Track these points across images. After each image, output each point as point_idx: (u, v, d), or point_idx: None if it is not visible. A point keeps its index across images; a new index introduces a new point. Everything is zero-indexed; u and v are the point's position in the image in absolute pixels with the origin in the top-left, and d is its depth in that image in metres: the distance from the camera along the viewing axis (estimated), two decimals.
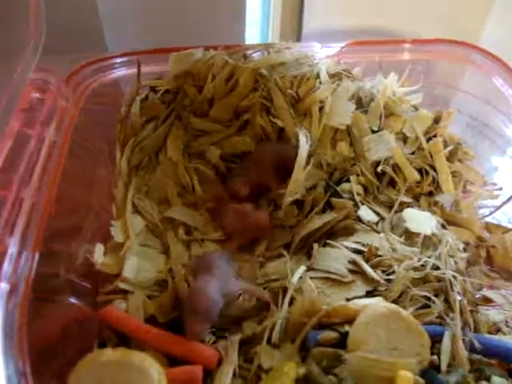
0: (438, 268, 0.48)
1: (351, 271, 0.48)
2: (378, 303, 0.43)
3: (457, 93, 0.73)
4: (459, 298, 0.48)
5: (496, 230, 0.63)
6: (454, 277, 0.47)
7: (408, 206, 0.58)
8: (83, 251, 0.53)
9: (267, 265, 0.54)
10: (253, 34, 0.86)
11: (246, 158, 0.59)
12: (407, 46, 0.65)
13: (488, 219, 0.64)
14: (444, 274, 0.47)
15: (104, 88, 0.57)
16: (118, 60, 0.59)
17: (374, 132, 0.60)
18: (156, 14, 0.73)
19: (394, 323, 0.41)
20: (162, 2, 0.72)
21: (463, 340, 0.44)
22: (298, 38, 0.83)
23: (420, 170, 0.61)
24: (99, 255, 0.50)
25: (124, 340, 0.47)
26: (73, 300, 0.51)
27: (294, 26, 0.83)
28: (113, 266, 0.51)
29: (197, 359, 0.42)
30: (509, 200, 0.66)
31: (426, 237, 0.53)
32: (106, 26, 0.69)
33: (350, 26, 0.81)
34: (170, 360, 0.44)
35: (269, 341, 0.45)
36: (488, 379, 0.43)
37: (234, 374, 0.43)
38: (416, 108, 0.63)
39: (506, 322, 0.51)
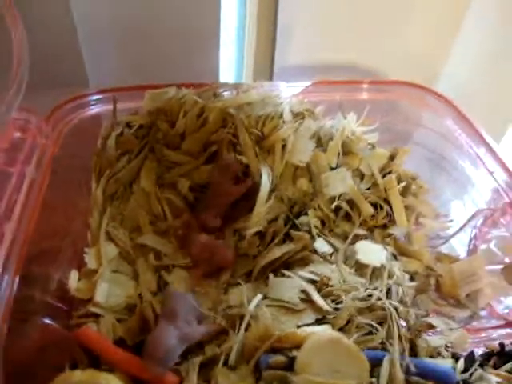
0: (381, 299, 0.52)
1: (303, 300, 0.53)
2: (323, 331, 0.48)
3: (416, 128, 0.78)
4: (403, 324, 0.53)
5: (445, 259, 0.68)
6: (396, 307, 0.52)
7: (363, 238, 0.62)
8: (59, 275, 0.57)
9: (230, 291, 0.58)
10: (228, 71, 0.90)
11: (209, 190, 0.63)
12: (366, 86, 0.70)
13: (444, 248, 0.69)
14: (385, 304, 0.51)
15: (83, 123, 0.61)
16: (96, 97, 0.63)
17: (332, 169, 0.65)
18: (135, 52, 0.78)
19: (337, 349, 0.46)
20: (141, 42, 0.76)
21: (401, 364, 0.48)
22: (271, 74, 0.88)
23: (375, 205, 0.65)
24: (73, 281, 0.54)
25: (94, 362, 0.50)
26: (48, 321, 0.54)
27: (267, 63, 0.88)
28: (86, 291, 0.55)
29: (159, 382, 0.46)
30: (459, 231, 0.70)
31: (375, 268, 0.57)
32: (88, 62, 0.73)
33: (321, 62, 0.86)
34: (137, 382, 0.48)
35: (226, 363, 0.49)
36: None
37: None
38: (373, 146, 0.68)
39: (446, 346, 0.55)
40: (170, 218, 0.64)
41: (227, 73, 0.90)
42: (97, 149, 0.63)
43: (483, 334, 0.60)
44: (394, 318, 0.50)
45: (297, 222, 0.61)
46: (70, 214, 0.63)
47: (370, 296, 0.53)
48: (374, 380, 0.47)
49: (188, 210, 0.65)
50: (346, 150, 0.66)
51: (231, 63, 0.93)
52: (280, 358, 0.46)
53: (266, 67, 0.89)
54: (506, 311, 0.64)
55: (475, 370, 0.52)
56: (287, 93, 0.69)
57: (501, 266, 0.66)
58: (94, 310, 0.53)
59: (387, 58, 0.87)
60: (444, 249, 0.69)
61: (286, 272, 0.56)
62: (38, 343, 0.52)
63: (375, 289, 0.53)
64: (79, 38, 0.71)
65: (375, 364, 0.48)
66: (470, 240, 0.69)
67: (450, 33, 0.88)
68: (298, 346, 0.47)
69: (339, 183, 0.63)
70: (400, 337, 0.50)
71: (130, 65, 0.79)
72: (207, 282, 0.60)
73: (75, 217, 0.63)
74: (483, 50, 0.87)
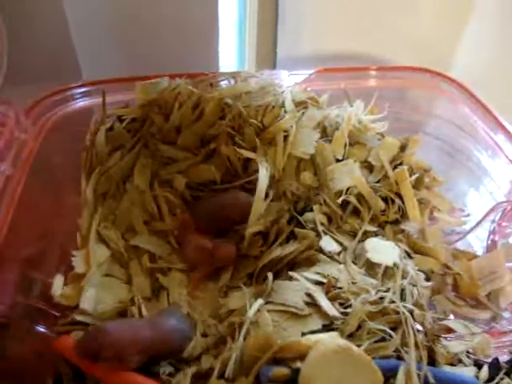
0: (394, 301, 0.47)
1: (309, 304, 0.48)
2: (330, 339, 0.43)
3: (429, 118, 0.74)
4: (419, 329, 0.48)
5: (463, 257, 0.63)
6: (411, 310, 0.47)
7: (373, 235, 0.58)
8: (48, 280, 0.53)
9: (230, 294, 0.53)
10: (230, 61, 0.86)
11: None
12: (373, 73, 0.65)
13: (460, 244, 0.64)
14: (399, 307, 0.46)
15: (68, 118, 0.57)
16: (81, 90, 0.59)
17: (338, 161, 0.60)
18: (131, 44, 0.74)
19: (346, 360, 0.41)
20: (137, 30, 0.73)
21: (418, 375, 0.43)
22: (274, 65, 0.83)
23: (386, 199, 0.61)
24: (57, 286, 0.50)
25: (80, 375, 0.46)
26: (41, 329, 0.51)
27: (270, 53, 0.84)
28: (72, 298, 0.51)
29: None
30: (476, 226, 0.65)
31: (387, 267, 0.52)
32: (81, 54, 0.69)
33: (325, 51, 0.82)
34: None
35: (224, 375, 0.44)
36: None
37: None
38: (382, 135, 0.63)
39: (468, 352, 0.51)
40: (167, 218, 0.59)
41: (229, 64, 0.87)
42: (86, 144, 0.58)
43: (507, 338, 0.55)
44: (409, 323, 0.45)
45: (301, 219, 0.56)
46: (58, 215, 0.58)
47: (382, 299, 0.48)
48: None
49: (185, 210, 0.60)
50: (353, 141, 0.61)
51: (233, 55, 0.89)
52: (282, 371, 0.42)
53: (268, 57, 0.86)
54: None
55: (501, 378, 0.47)
56: (289, 82, 0.65)
57: None
58: (79, 318, 0.48)
59: (396, 47, 0.83)
60: (461, 245, 0.65)
61: (291, 273, 0.51)
62: (21, 352, 0.49)
63: (387, 290, 0.48)
64: (72, 32, 0.67)
65: (389, 375, 0.43)
66: (489, 235, 0.65)
67: (461, 19, 0.83)
68: (302, 357, 0.42)
69: (346, 176, 0.58)
70: (416, 343, 0.45)
71: (126, 58, 0.76)
72: (206, 284, 0.56)
73: (64, 217, 0.59)
74: (496, 35, 0.82)
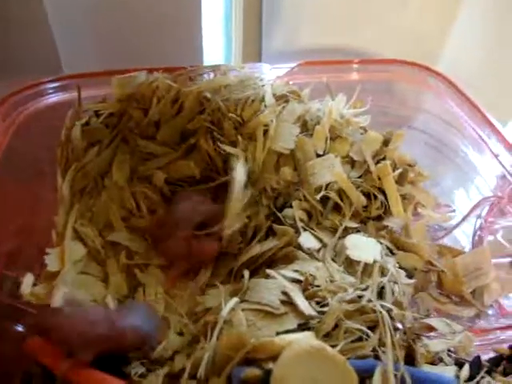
0: (372, 300, 0.46)
1: (285, 302, 0.47)
2: (304, 339, 0.42)
3: (415, 112, 0.73)
4: (399, 327, 0.47)
5: (448, 253, 0.62)
6: (389, 309, 0.46)
7: (354, 232, 0.56)
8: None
9: (207, 292, 0.52)
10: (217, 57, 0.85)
11: None
12: (356, 66, 0.64)
13: (447, 240, 0.63)
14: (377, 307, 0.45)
15: (40, 113, 0.55)
16: (54, 85, 0.57)
17: (319, 156, 0.59)
18: (112, 34, 0.73)
19: (319, 361, 0.40)
20: (118, 22, 0.72)
21: (395, 375, 0.42)
22: (260, 60, 0.82)
23: (368, 194, 0.59)
24: (27, 285, 0.49)
25: (50, 376, 0.45)
26: (19, 328, 0.50)
27: (256, 48, 0.83)
28: (43, 296, 0.50)
29: None
30: (462, 222, 0.64)
31: (367, 265, 0.51)
32: (60, 47, 0.68)
33: (311, 45, 0.80)
34: None
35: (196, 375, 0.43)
36: None
37: None
38: (365, 130, 0.62)
39: (449, 351, 0.50)
40: (146, 214, 0.58)
41: (216, 61, 0.85)
42: (60, 140, 0.57)
43: (491, 336, 0.54)
44: (386, 322, 0.44)
45: (280, 215, 0.55)
46: (34, 212, 0.57)
47: (361, 297, 0.47)
48: None
49: (164, 206, 0.59)
50: (335, 135, 0.60)
51: (219, 50, 0.88)
52: (254, 371, 0.40)
53: (254, 52, 0.84)
54: None
55: (482, 377, 0.47)
56: (271, 75, 0.63)
57: (509, 259, 0.61)
58: None
59: (383, 41, 0.82)
60: (447, 241, 0.64)
61: (268, 271, 0.50)
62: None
63: (366, 289, 0.47)
64: (53, 26, 0.66)
65: (366, 376, 0.42)
66: (475, 231, 0.63)
67: (448, 14, 0.82)
68: (275, 357, 0.41)
69: (327, 171, 0.57)
70: (394, 343, 0.43)
71: (108, 52, 0.74)
72: (185, 282, 0.55)
73: (40, 214, 0.57)
74: (484, 31, 0.81)
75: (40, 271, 0.53)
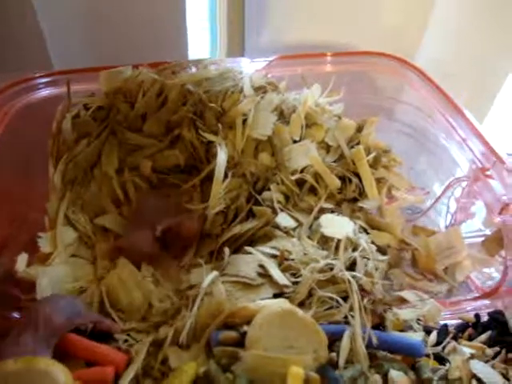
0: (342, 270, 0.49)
1: (261, 275, 0.50)
2: (275, 304, 0.45)
3: (388, 100, 0.76)
4: (370, 297, 0.50)
5: (422, 233, 0.65)
6: (358, 279, 0.49)
7: (329, 212, 0.60)
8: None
9: (192, 271, 0.55)
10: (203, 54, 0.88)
11: None
12: (329, 58, 0.67)
13: (425, 223, 0.67)
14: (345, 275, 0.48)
15: (32, 106, 0.59)
16: (44, 80, 0.61)
17: (295, 142, 0.62)
18: (100, 30, 0.76)
19: (290, 322, 0.43)
20: (107, 20, 0.75)
21: (363, 338, 0.45)
22: (243, 54, 0.85)
23: (343, 178, 0.63)
24: (21, 263, 0.52)
25: None
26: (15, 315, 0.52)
27: (239, 44, 0.86)
28: (36, 276, 0.53)
29: (106, 363, 0.44)
30: (435, 203, 0.68)
31: (340, 241, 0.54)
32: (50, 42, 0.71)
33: (291, 41, 0.84)
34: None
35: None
36: (386, 373, 0.44)
37: (148, 375, 0.45)
38: (339, 117, 0.65)
39: (418, 319, 0.53)
40: (134, 202, 0.61)
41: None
42: (52, 132, 0.61)
43: (460, 307, 0.57)
44: (353, 289, 0.47)
45: (259, 197, 0.59)
46: (26, 201, 0.60)
47: (332, 269, 0.50)
48: (333, 355, 0.44)
49: (152, 193, 0.62)
50: (310, 122, 0.64)
51: (205, 48, 0.91)
52: (230, 334, 0.44)
53: (238, 50, 0.87)
54: (489, 283, 0.61)
55: (448, 342, 0.49)
56: (249, 68, 0.67)
57: (481, 239, 0.63)
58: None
59: (362, 35, 0.85)
60: (424, 223, 0.67)
61: (247, 248, 0.53)
62: None
63: (335, 260, 0.50)
64: (42, 23, 0.69)
65: (336, 338, 0.45)
66: (447, 212, 0.66)
67: (424, 6, 0.85)
68: (250, 322, 0.44)
69: (303, 156, 0.61)
70: (361, 309, 0.47)
71: (95, 49, 0.77)
72: (172, 262, 0.58)
73: (32, 204, 0.60)
74: (460, 23, 0.84)
75: (32, 259, 0.55)
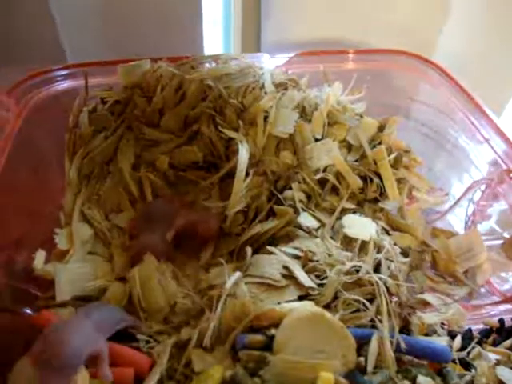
0: (369, 273, 0.48)
1: (285, 276, 0.49)
2: (303, 307, 0.44)
3: (409, 101, 0.75)
4: (394, 300, 0.49)
5: (441, 235, 0.64)
6: (385, 281, 0.48)
7: (351, 213, 0.59)
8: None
9: (211, 270, 0.54)
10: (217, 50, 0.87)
11: None
12: (352, 55, 0.66)
13: (441, 224, 0.65)
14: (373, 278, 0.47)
15: (51, 99, 0.57)
16: (63, 72, 0.59)
17: (317, 140, 0.61)
18: (116, 25, 0.74)
19: (318, 326, 0.42)
20: (122, 14, 0.73)
21: (391, 342, 0.44)
22: (259, 50, 0.84)
23: (365, 177, 0.62)
24: (39, 260, 0.51)
25: None
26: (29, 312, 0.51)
27: (254, 41, 0.85)
28: (54, 274, 0.52)
29: (128, 365, 0.43)
30: (455, 205, 0.67)
31: (364, 242, 0.53)
32: (64, 36, 0.70)
33: (308, 38, 0.82)
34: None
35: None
36: (414, 379, 0.44)
37: (171, 378, 0.44)
38: (361, 116, 0.64)
39: (442, 324, 0.52)
40: (150, 198, 0.60)
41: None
42: (69, 126, 0.59)
43: (482, 311, 0.56)
44: (382, 292, 0.46)
45: (280, 196, 0.58)
46: (43, 195, 0.59)
47: (358, 271, 0.49)
48: (361, 359, 0.43)
49: (168, 190, 0.61)
50: (332, 121, 0.62)
51: (219, 43, 0.89)
52: (257, 338, 0.43)
53: (253, 45, 0.86)
54: (507, 287, 0.60)
55: (473, 347, 0.49)
56: (270, 64, 0.65)
57: (501, 241, 0.62)
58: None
59: (379, 33, 0.84)
60: (442, 225, 0.66)
61: (269, 248, 0.52)
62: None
63: (363, 262, 0.49)
64: (57, 21, 0.68)
65: (363, 342, 0.44)
66: (467, 214, 0.65)
67: (441, 2, 0.84)
68: (277, 325, 0.43)
69: (325, 155, 0.59)
70: (390, 313, 0.46)
71: (110, 44, 0.76)
72: (188, 262, 0.56)
73: (49, 198, 0.59)
74: (477, 21, 0.83)
75: (48, 256, 0.54)
